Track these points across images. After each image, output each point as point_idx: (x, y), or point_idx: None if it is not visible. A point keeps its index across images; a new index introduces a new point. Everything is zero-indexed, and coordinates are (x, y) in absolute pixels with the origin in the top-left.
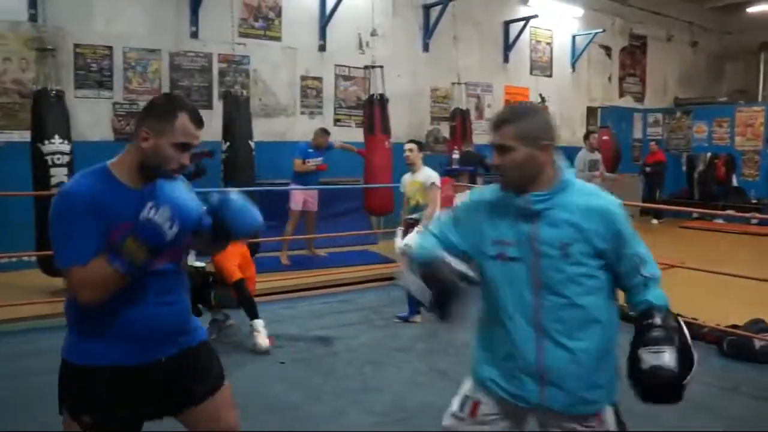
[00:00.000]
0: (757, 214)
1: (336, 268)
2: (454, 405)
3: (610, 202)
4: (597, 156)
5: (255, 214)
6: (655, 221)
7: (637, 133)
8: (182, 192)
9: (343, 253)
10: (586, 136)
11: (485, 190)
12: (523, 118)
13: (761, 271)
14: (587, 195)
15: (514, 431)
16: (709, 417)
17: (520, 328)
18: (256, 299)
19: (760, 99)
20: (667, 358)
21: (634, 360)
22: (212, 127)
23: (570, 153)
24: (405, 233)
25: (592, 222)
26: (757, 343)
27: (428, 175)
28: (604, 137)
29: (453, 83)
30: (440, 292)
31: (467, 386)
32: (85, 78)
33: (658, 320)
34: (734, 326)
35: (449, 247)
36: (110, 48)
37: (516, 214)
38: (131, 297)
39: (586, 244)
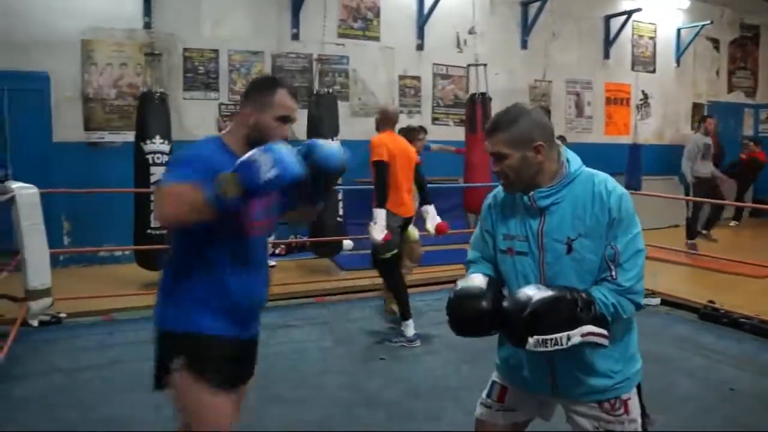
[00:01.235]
0: None
1: (435, 266)
2: (484, 392)
3: (613, 188)
4: (709, 141)
5: (340, 149)
6: (733, 223)
7: (748, 130)
8: (286, 150)
9: (441, 252)
10: (703, 120)
11: (499, 190)
12: (512, 124)
13: None
14: (593, 184)
15: (537, 416)
16: None
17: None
18: (354, 296)
19: None
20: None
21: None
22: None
23: (672, 151)
24: None
25: (596, 211)
26: None
27: None
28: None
29: (539, 80)
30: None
31: (495, 373)
32: (193, 80)
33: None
34: None
35: (486, 258)
36: (216, 51)
37: (525, 211)
38: (234, 267)
39: (592, 239)
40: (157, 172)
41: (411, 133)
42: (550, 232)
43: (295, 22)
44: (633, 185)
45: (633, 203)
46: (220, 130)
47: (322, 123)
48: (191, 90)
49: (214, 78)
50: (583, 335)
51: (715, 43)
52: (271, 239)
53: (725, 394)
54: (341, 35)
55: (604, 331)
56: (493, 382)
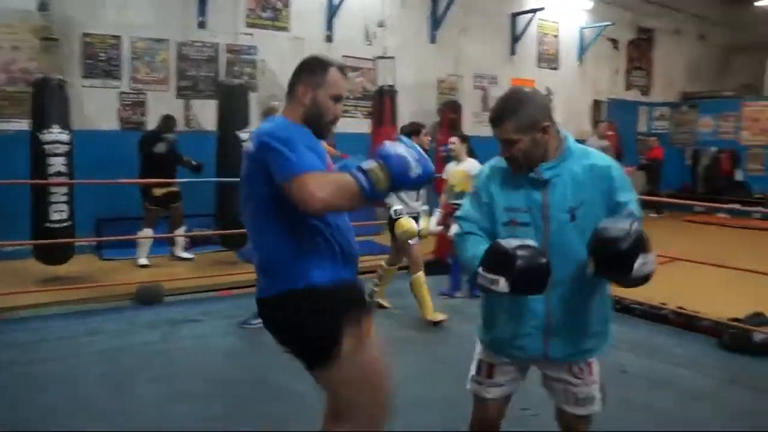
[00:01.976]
0: (762, 209)
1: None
2: (473, 369)
3: (605, 160)
4: (605, 143)
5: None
6: (654, 215)
7: (642, 127)
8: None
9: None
10: (596, 124)
11: (496, 162)
12: (518, 111)
13: (763, 264)
14: (587, 157)
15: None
16: (707, 407)
17: None
18: (250, 289)
19: (766, 93)
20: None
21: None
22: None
23: None
24: (445, 217)
25: (594, 182)
26: (757, 336)
27: (473, 165)
28: (609, 132)
29: (450, 75)
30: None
31: (479, 350)
32: (93, 67)
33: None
34: (735, 319)
35: (482, 228)
36: (118, 38)
37: (528, 184)
38: (339, 221)
39: (592, 206)
40: (56, 163)
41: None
42: (554, 203)
43: (202, 10)
44: None
45: None
46: (122, 120)
47: (234, 114)
48: (91, 77)
49: (116, 65)
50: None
51: (615, 43)
52: (181, 231)
53: (618, 375)
54: (250, 25)
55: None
56: (480, 361)
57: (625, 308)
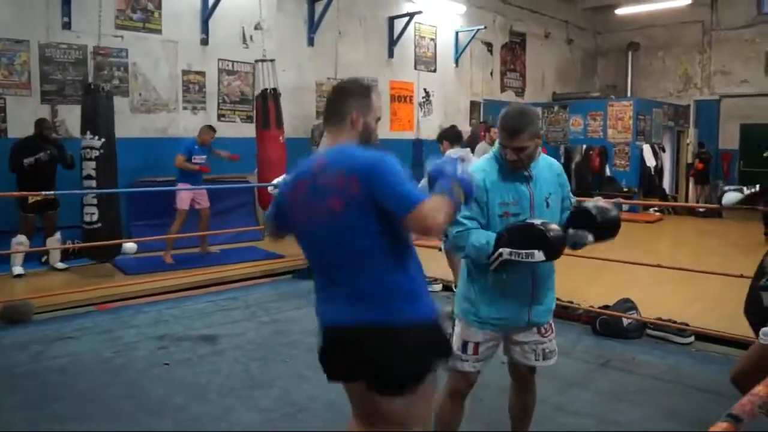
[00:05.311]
0: (627, 201)
1: (223, 265)
2: (455, 347)
3: (559, 166)
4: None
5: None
6: None
7: None
8: None
9: (230, 250)
10: (487, 129)
11: (485, 166)
12: (531, 123)
13: (629, 254)
14: (549, 161)
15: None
16: (581, 390)
17: (522, 267)
18: (142, 300)
19: (628, 94)
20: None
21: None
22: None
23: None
24: None
25: (554, 177)
26: (625, 321)
27: None
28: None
29: (329, 78)
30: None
31: (460, 329)
32: None
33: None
34: (606, 307)
35: (479, 224)
36: None
37: (518, 180)
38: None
39: (556, 195)
40: None
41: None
42: (537, 193)
43: (66, 9)
44: (417, 179)
45: None
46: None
47: (98, 121)
48: None
49: None
50: None
51: (489, 46)
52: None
53: (498, 367)
54: (119, 26)
55: None
56: (465, 342)
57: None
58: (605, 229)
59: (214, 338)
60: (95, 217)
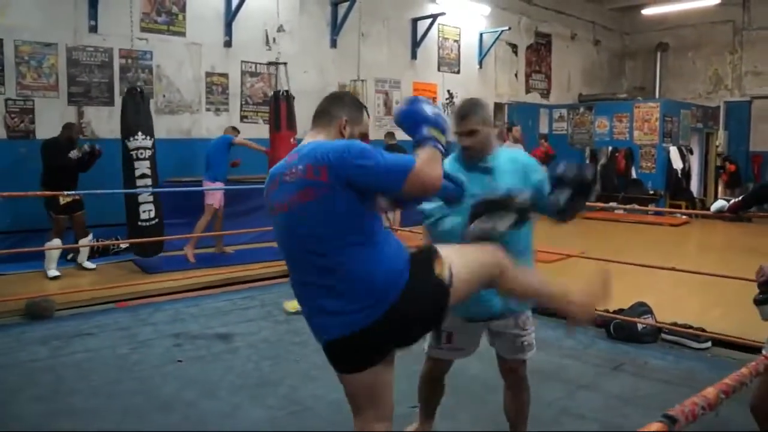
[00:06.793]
0: (653, 206)
1: (241, 265)
2: (429, 339)
3: (526, 157)
4: (520, 148)
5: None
6: None
7: (544, 128)
8: None
9: (248, 251)
10: (509, 129)
11: (448, 163)
12: (481, 109)
13: (652, 258)
14: (512, 154)
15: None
16: (589, 393)
17: None
18: (162, 298)
19: (657, 95)
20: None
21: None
22: (112, 123)
23: None
24: None
25: (519, 169)
26: (639, 326)
27: None
28: (544, 143)
29: (353, 80)
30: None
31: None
32: None
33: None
34: (620, 310)
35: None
36: (0, 41)
37: (479, 172)
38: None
39: (525, 186)
40: None
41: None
42: (500, 185)
43: (93, 13)
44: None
45: None
46: (9, 128)
47: (147, 122)
48: None
49: None
50: None
51: (514, 48)
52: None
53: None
54: (144, 29)
55: None
56: (441, 331)
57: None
58: (578, 185)
59: (229, 336)
60: (152, 214)
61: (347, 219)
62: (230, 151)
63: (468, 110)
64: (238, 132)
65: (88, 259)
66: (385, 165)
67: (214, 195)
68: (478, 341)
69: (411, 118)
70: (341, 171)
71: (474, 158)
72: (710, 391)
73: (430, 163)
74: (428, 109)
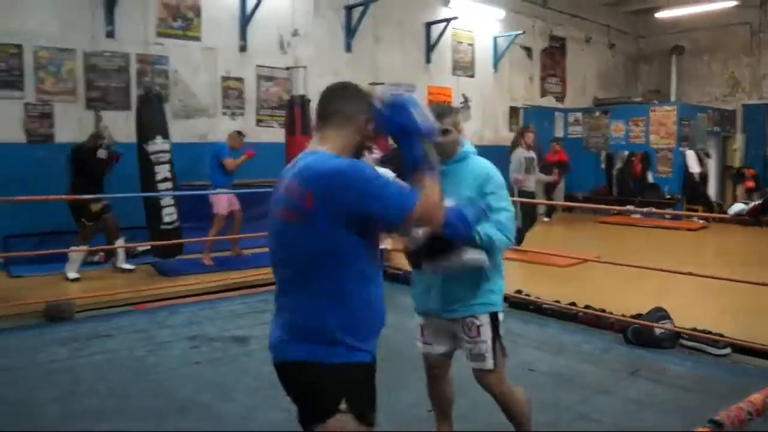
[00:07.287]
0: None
1: (257, 268)
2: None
3: (489, 169)
4: (532, 154)
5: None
6: (546, 219)
7: (559, 132)
8: None
9: (264, 254)
10: (522, 133)
11: None
12: (455, 114)
13: (669, 262)
14: (477, 167)
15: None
16: (605, 398)
17: None
18: (179, 300)
19: (672, 99)
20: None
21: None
22: (128, 128)
23: (492, 152)
24: None
25: (477, 181)
26: (657, 331)
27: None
28: (557, 147)
29: (368, 84)
30: None
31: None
32: None
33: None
34: (638, 315)
35: None
36: (19, 47)
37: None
38: (377, 278)
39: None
40: None
41: None
42: (450, 191)
43: (110, 19)
44: None
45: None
46: (28, 132)
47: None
48: None
49: (18, 75)
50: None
51: (529, 51)
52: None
53: (525, 374)
54: (160, 34)
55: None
56: (418, 325)
57: (538, 308)
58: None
59: (245, 339)
60: (174, 217)
61: (319, 253)
62: (239, 150)
63: (444, 111)
64: (244, 136)
65: (125, 261)
66: (381, 200)
67: (219, 203)
68: (447, 340)
69: (401, 129)
70: (327, 203)
71: (443, 157)
72: (757, 397)
73: (434, 200)
74: (417, 115)
